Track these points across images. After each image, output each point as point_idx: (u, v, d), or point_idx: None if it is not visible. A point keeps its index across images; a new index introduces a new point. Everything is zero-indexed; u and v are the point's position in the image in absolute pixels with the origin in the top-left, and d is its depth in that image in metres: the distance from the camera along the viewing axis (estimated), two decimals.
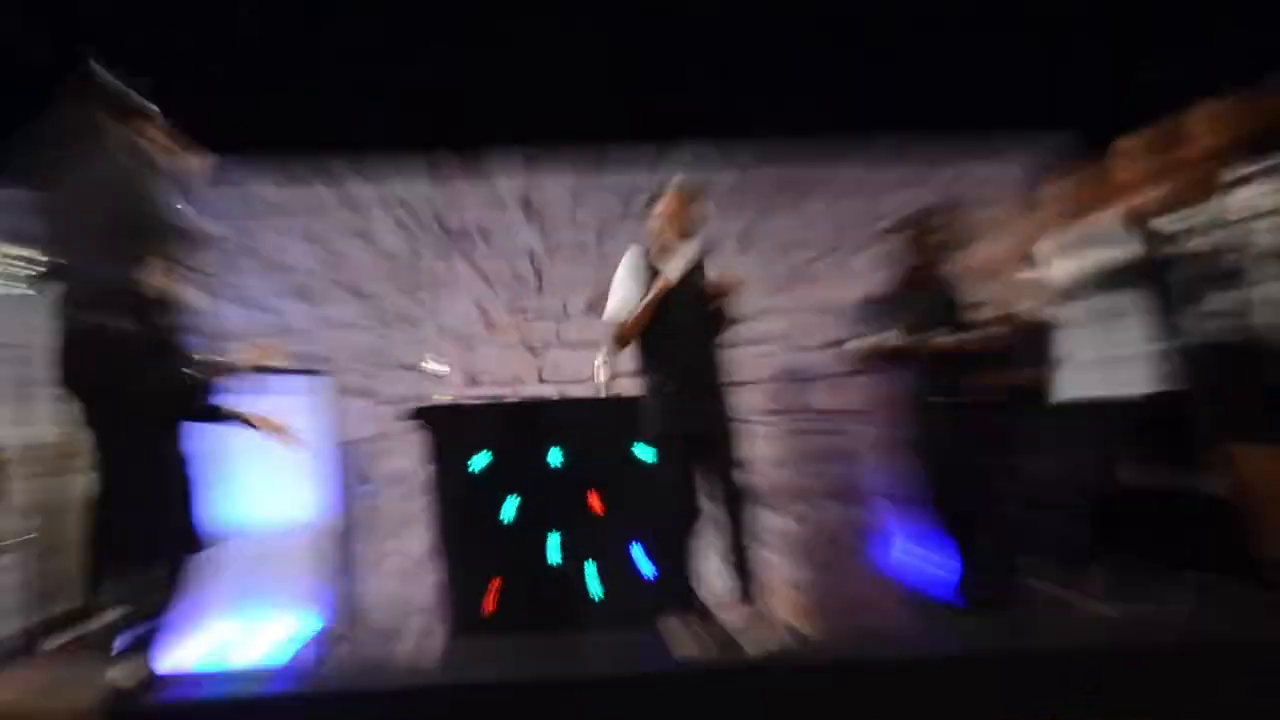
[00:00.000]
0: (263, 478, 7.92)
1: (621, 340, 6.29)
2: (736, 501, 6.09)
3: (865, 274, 8.94)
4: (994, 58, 8.44)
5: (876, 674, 3.99)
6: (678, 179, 5.89)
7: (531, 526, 7.13)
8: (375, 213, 8.96)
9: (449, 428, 7.38)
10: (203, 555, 6.68)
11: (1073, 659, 3.92)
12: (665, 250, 6.21)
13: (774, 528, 8.71)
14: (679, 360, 6.09)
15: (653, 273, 6.09)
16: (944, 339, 7.33)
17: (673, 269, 5.99)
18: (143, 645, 6.57)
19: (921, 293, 7.36)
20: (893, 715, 3.76)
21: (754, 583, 5.94)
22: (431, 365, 7.93)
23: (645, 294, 6.02)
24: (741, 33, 8.57)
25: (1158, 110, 5.85)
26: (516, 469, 7.22)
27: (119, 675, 4.44)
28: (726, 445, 6.12)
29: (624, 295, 6.15)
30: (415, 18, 8.62)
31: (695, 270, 6.17)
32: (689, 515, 6.77)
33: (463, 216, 8.99)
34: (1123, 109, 6.35)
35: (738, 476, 6.16)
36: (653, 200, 6.11)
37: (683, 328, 6.12)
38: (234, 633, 7.71)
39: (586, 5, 8.46)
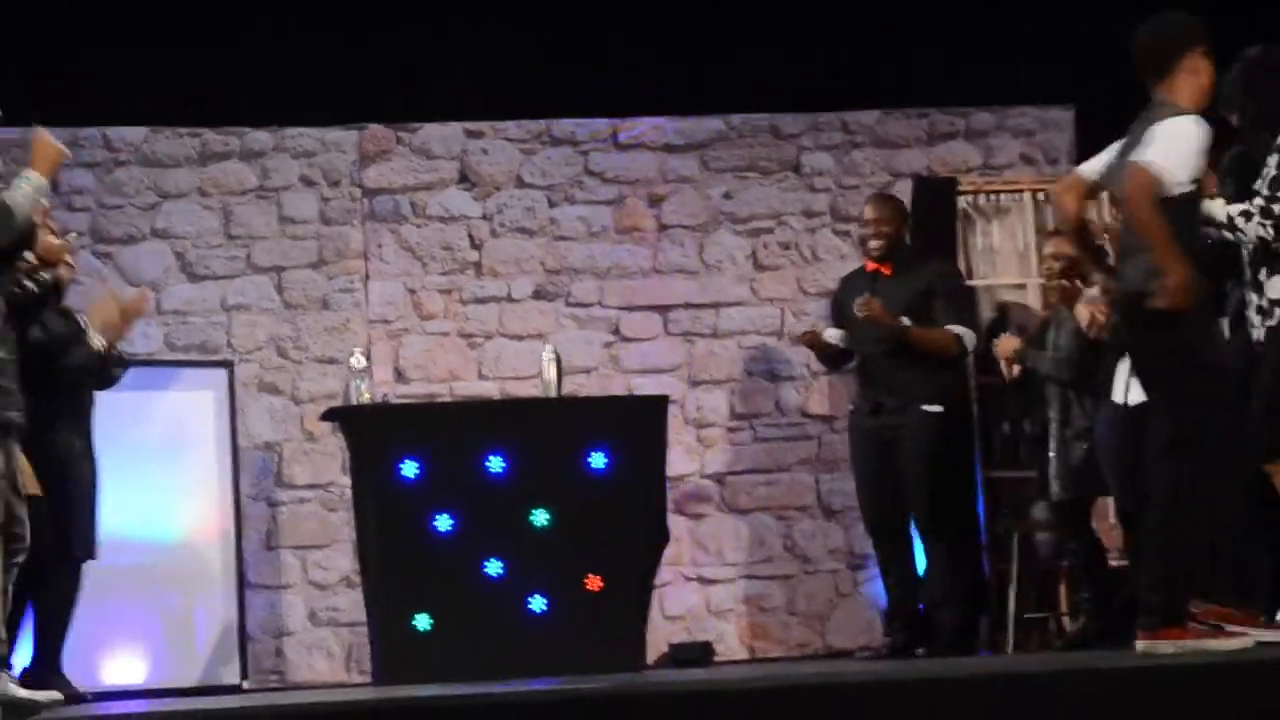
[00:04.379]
0: (166, 484, 8.44)
1: None
2: None
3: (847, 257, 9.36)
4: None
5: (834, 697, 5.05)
6: None
7: (468, 544, 7.67)
8: (281, 172, 9.29)
9: (372, 431, 7.87)
10: (98, 565, 7.73)
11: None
12: None
13: (736, 540, 9.39)
14: None
15: None
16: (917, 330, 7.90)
17: None
18: (44, 662, 7.18)
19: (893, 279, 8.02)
20: None
21: None
22: (353, 358, 8.17)
23: None
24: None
25: None
26: (451, 479, 7.76)
27: (14, 695, 5.45)
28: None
29: None
30: None
31: None
32: (650, 531, 7.92)
33: (388, 179, 9.37)
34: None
35: None
36: None
37: None
38: (140, 651, 8.30)
39: None
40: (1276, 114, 5.94)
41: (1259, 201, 5.83)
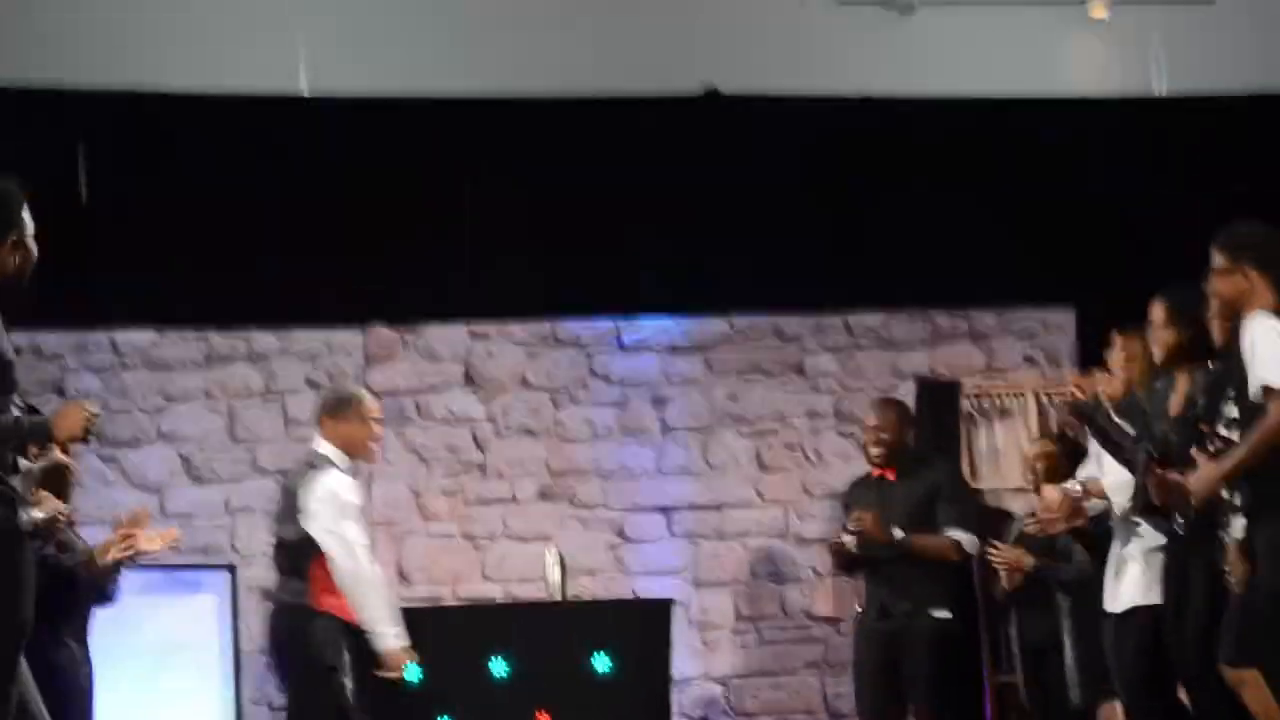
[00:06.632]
0: (167, 688, 8.40)
1: None
2: None
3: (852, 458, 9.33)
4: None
5: None
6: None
7: None
8: (286, 374, 9.42)
9: None
10: None
11: None
12: None
13: None
14: None
15: None
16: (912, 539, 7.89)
17: None
18: None
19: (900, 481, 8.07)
20: None
21: None
22: None
23: None
24: (703, 201, 9.29)
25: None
26: (453, 682, 7.80)
27: None
28: None
29: None
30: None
31: None
32: None
33: (393, 381, 9.48)
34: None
35: None
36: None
37: None
38: None
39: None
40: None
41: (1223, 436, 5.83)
